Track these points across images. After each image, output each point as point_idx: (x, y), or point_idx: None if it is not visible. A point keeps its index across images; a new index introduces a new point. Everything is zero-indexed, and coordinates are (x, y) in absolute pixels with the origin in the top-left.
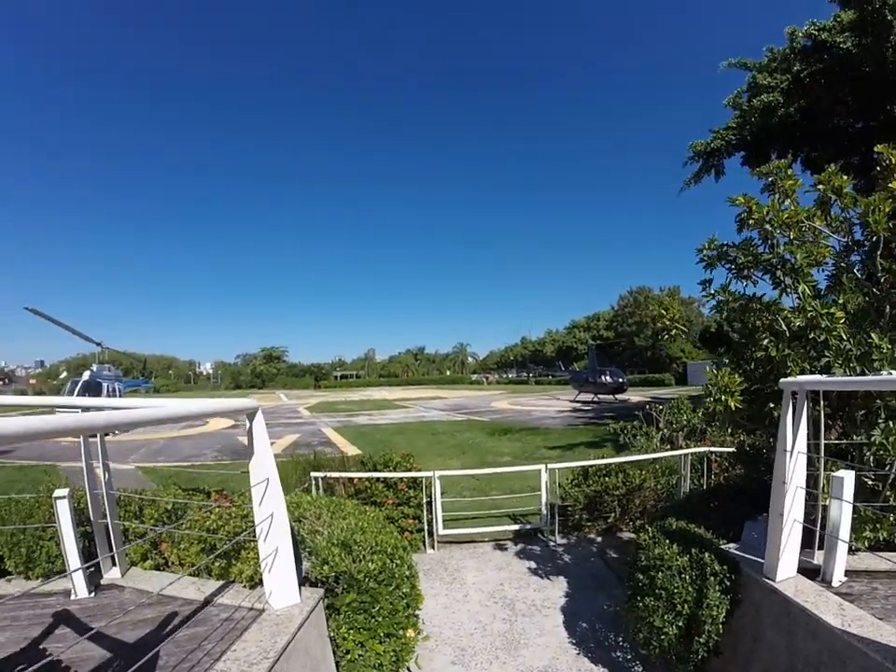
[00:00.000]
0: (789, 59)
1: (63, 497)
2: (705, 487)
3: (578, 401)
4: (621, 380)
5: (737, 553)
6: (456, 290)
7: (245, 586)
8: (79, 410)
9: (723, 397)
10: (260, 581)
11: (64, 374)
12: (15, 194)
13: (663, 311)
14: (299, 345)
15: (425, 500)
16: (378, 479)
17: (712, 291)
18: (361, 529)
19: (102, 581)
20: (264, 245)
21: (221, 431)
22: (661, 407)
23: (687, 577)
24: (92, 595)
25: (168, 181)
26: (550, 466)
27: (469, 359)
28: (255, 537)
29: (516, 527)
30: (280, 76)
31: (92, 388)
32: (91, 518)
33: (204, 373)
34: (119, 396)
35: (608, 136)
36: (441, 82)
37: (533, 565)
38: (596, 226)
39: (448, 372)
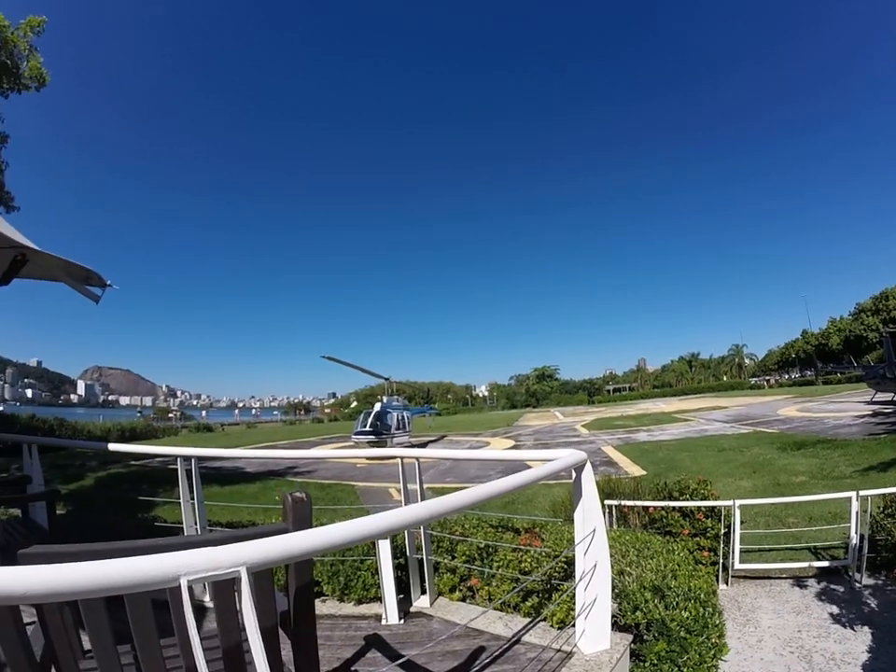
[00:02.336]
0: None
1: (385, 538)
2: None
3: (876, 402)
4: None
5: None
6: (730, 286)
7: (552, 626)
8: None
9: None
10: (568, 622)
11: (354, 404)
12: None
13: None
14: (569, 362)
15: (722, 531)
16: (674, 508)
17: None
18: (672, 572)
19: (411, 609)
20: (534, 270)
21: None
22: None
23: None
24: (402, 621)
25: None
26: (862, 493)
27: (747, 361)
28: (568, 579)
29: (821, 564)
30: None
31: (383, 418)
32: (407, 553)
33: (480, 395)
34: (409, 423)
35: None
36: None
37: (835, 609)
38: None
39: (724, 378)
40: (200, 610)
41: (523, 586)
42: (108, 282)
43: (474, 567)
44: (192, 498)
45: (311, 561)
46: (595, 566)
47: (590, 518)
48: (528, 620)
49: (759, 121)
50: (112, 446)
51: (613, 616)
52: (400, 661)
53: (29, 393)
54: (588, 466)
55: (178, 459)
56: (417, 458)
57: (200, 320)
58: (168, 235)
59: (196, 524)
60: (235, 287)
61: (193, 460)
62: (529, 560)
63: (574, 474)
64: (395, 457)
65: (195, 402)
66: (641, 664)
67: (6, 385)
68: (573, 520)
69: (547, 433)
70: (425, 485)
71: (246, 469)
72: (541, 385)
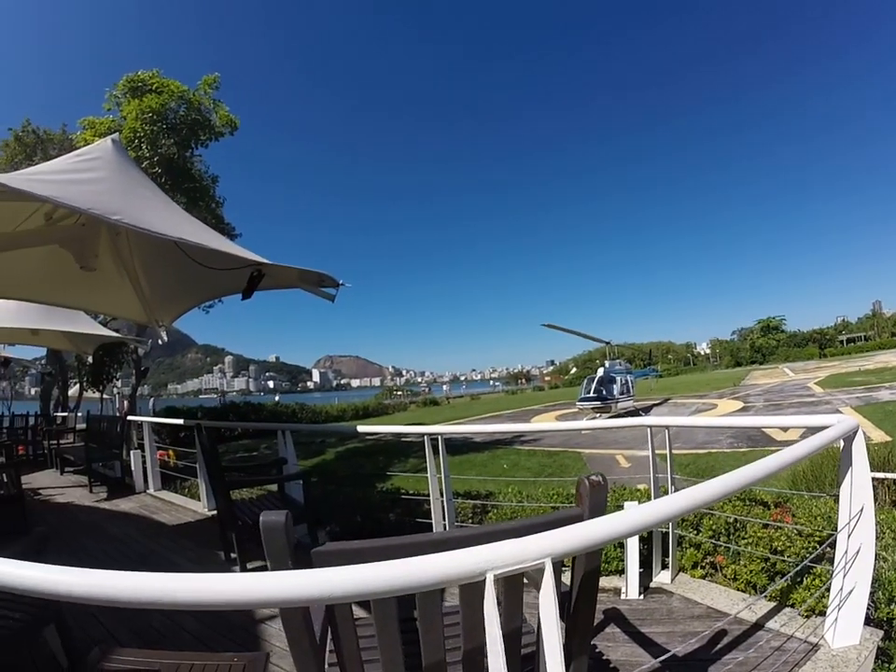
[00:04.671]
0: None
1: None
2: None
3: None
4: None
5: None
6: None
7: (799, 613)
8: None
9: None
10: (817, 610)
11: (574, 370)
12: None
13: None
14: (796, 311)
15: None
16: None
17: None
18: None
19: (651, 584)
20: (750, 209)
21: (725, 416)
22: None
23: None
24: (641, 597)
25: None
26: None
27: None
28: (820, 561)
29: None
30: None
31: (607, 383)
32: None
33: (702, 353)
34: (632, 387)
35: None
36: None
37: None
38: None
39: None
40: None
41: (771, 566)
42: (341, 281)
43: (719, 542)
44: (438, 472)
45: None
46: (859, 550)
47: (858, 496)
48: (773, 604)
49: None
50: (361, 428)
51: None
52: (639, 638)
53: (271, 384)
54: (860, 435)
55: (425, 437)
56: (667, 427)
57: (419, 301)
58: (389, 225)
59: (442, 496)
60: (453, 267)
61: (440, 437)
62: (783, 539)
63: (842, 444)
64: (643, 426)
65: (419, 379)
66: (886, 665)
67: (250, 380)
68: (836, 496)
69: (777, 392)
70: (654, 452)
71: (474, 440)
72: (767, 339)
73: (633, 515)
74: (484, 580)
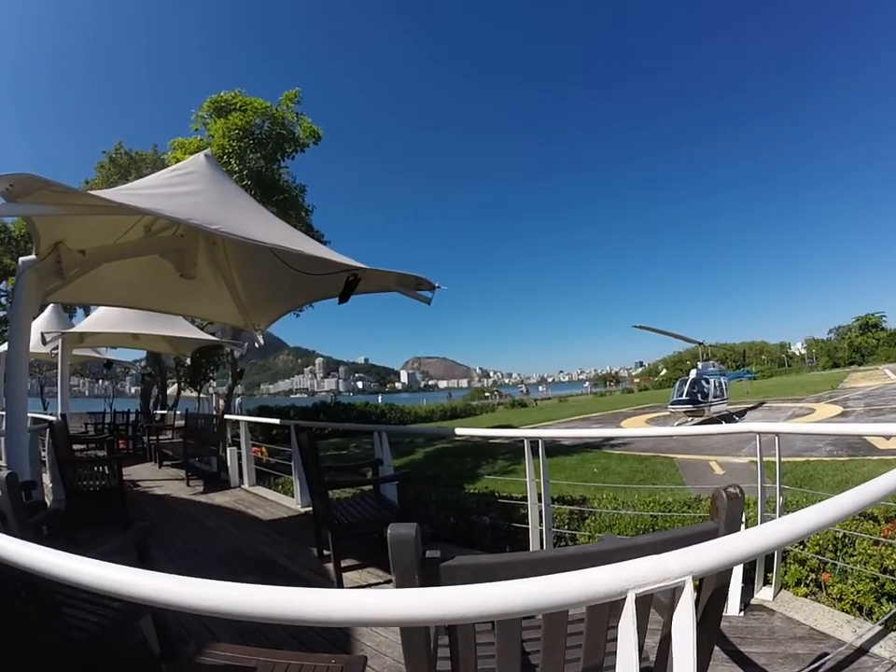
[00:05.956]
0: None
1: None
2: None
3: None
4: None
5: None
6: None
7: None
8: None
9: None
10: None
11: (663, 372)
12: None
13: None
14: None
15: None
16: None
17: None
18: None
19: (751, 601)
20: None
21: (830, 421)
22: None
23: None
24: (741, 613)
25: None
26: None
27: None
28: None
29: None
30: None
31: (700, 385)
32: None
33: (797, 353)
34: (726, 390)
35: None
36: None
37: None
38: None
39: None
40: None
41: (880, 586)
42: (437, 284)
43: (826, 559)
44: (535, 476)
45: None
46: None
47: None
48: (879, 629)
49: None
50: (460, 431)
51: None
52: (738, 657)
53: (360, 385)
54: None
55: (525, 441)
56: (777, 433)
57: (507, 303)
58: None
59: (540, 501)
60: (539, 269)
61: (540, 442)
62: (895, 557)
63: None
64: (751, 432)
65: (507, 381)
66: None
67: (340, 381)
68: None
69: (878, 397)
70: (749, 459)
71: (562, 442)
72: (866, 338)
73: (773, 531)
74: (624, 599)
